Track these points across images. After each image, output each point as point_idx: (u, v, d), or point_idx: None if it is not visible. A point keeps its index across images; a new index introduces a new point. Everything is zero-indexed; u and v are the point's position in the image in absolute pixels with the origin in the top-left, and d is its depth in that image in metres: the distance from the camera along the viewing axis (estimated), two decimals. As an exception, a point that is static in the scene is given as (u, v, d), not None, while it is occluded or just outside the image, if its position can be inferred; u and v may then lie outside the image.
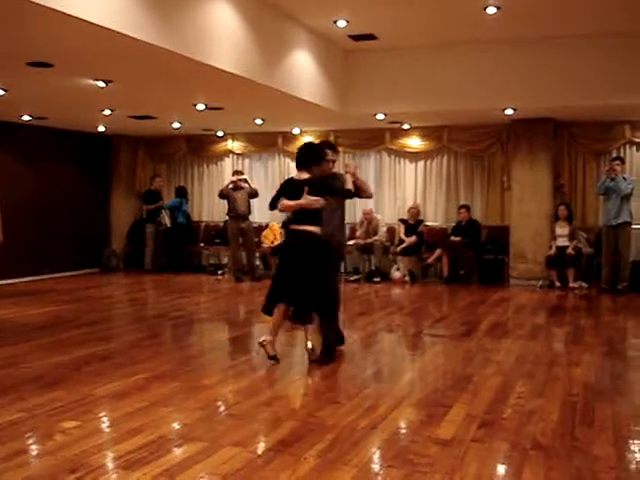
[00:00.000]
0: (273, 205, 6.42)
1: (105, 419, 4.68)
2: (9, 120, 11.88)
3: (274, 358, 6.14)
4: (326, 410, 4.80)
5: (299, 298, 6.11)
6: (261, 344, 6.15)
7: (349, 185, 6.30)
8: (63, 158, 13.44)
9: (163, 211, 13.74)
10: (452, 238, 12.22)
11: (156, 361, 5.76)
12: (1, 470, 3.67)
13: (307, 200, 6.01)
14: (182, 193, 14.20)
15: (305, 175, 6.16)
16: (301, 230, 6.12)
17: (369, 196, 6.94)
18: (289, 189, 6.25)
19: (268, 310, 6.23)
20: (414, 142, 13.15)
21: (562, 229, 11.57)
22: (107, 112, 11.14)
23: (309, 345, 6.21)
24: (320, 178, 6.17)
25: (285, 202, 6.20)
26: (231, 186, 12.71)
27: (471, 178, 12.99)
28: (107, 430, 4.50)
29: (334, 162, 6.55)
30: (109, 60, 7.42)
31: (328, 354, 6.28)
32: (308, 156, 6.26)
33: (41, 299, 10.16)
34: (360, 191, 6.55)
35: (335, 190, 6.27)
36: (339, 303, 6.81)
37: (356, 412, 4.73)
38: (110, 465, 3.77)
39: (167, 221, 13.68)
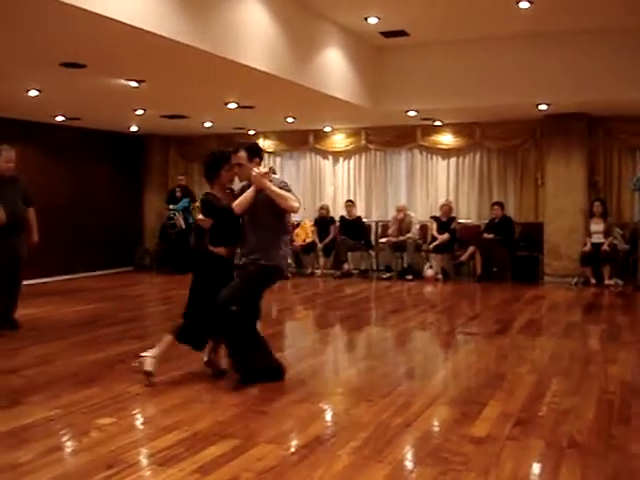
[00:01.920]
0: None
1: (140, 416, 4.72)
2: (43, 121, 12.01)
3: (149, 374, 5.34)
4: (360, 408, 4.79)
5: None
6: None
7: (238, 200, 5.30)
8: (96, 158, 13.57)
9: (176, 212, 13.68)
10: (485, 235, 12.12)
11: (189, 358, 5.76)
12: (38, 466, 3.71)
13: (199, 220, 5.63)
14: (186, 194, 14.03)
15: (208, 191, 5.57)
16: (204, 251, 5.54)
17: (287, 210, 5.33)
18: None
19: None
20: (446, 139, 13.08)
21: (597, 225, 11.43)
22: (139, 112, 11.23)
23: (205, 358, 5.68)
24: (206, 195, 5.48)
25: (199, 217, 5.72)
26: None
27: (504, 175, 12.89)
28: (142, 427, 4.54)
29: (239, 166, 5.35)
30: (141, 60, 7.48)
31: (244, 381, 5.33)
32: (205, 169, 5.59)
33: (75, 297, 10.27)
34: (279, 205, 5.27)
35: (211, 209, 5.41)
36: (245, 331, 5.42)
37: (390, 410, 4.71)
38: (145, 461, 3.79)
39: (181, 222, 13.58)
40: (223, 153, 5.51)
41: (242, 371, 5.32)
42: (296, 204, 5.34)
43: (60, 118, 11.88)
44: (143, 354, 5.34)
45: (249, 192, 5.29)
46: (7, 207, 7.26)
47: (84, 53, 7.11)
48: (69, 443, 4.17)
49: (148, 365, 5.26)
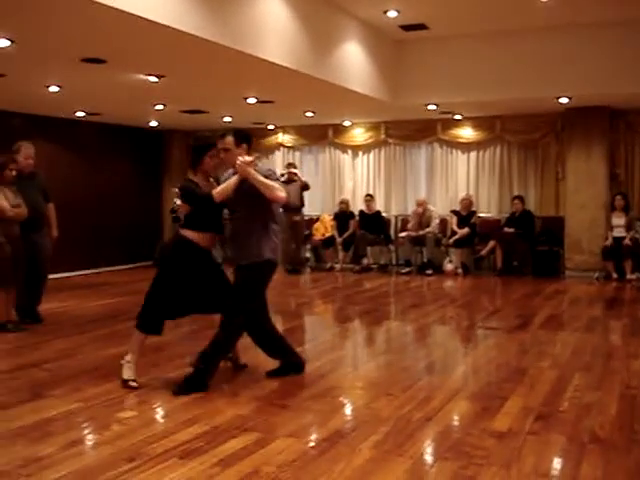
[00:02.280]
0: None
1: (161, 409, 4.73)
2: (64, 116, 12.08)
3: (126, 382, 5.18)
4: (380, 402, 4.79)
5: None
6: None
7: (219, 187, 5.11)
8: (116, 153, 13.64)
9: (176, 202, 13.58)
10: (505, 229, 12.05)
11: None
12: (60, 459, 3.74)
13: (177, 206, 5.41)
14: None
15: (190, 177, 5.34)
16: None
17: (273, 200, 5.07)
18: None
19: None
20: (466, 132, 13.03)
21: (619, 219, 11.32)
22: (159, 107, 11.27)
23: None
24: (186, 181, 5.29)
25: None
26: (283, 179, 12.72)
27: (524, 168, 12.81)
28: (163, 420, 4.56)
29: (226, 151, 5.10)
30: (161, 55, 7.49)
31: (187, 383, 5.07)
32: (190, 155, 5.49)
33: (97, 292, 10.33)
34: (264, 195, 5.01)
35: (190, 196, 5.19)
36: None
37: (410, 404, 4.70)
38: (166, 454, 3.80)
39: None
40: (208, 138, 5.29)
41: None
42: (282, 194, 5.07)
43: (80, 113, 11.95)
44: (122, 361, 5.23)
45: (232, 180, 5.06)
46: (27, 203, 7.32)
47: (104, 49, 7.14)
48: (90, 436, 4.20)
49: (126, 373, 5.17)
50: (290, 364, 5.51)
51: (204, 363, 5.07)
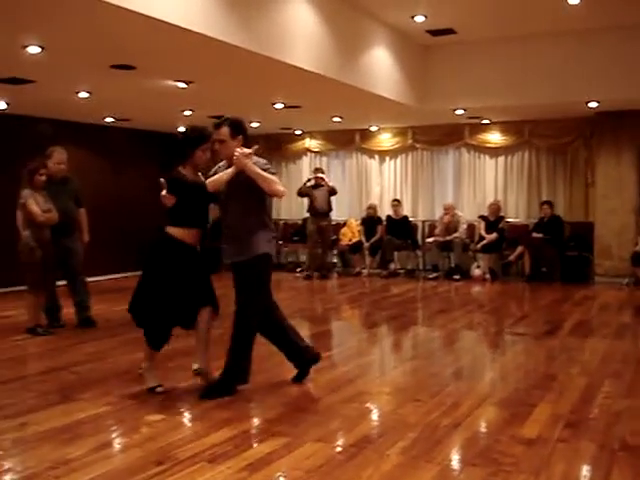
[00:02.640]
0: None
1: (189, 413, 4.75)
2: (93, 122, 12.20)
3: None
4: (407, 407, 4.77)
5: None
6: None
7: (214, 177, 5.00)
8: (145, 158, 13.71)
9: None
10: (534, 235, 11.96)
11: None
12: (89, 461, 3.77)
13: (162, 196, 5.03)
14: None
15: (179, 170, 5.10)
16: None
17: (270, 194, 5.01)
18: None
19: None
20: (494, 137, 12.97)
21: (649, 225, 11.20)
22: (187, 113, 11.33)
23: (196, 368, 5.36)
24: (174, 172, 5.07)
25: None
26: (310, 184, 12.73)
27: (553, 173, 12.71)
28: (191, 424, 4.57)
29: (221, 142, 4.97)
30: (189, 61, 7.55)
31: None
32: (178, 148, 5.16)
33: (126, 296, 10.29)
34: (262, 189, 4.92)
35: (180, 187, 5.00)
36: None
37: (438, 410, 4.68)
38: (195, 458, 3.81)
39: None
40: (202, 130, 5.06)
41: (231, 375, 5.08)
42: (281, 187, 5.01)
43: (109, 119, 12.06)
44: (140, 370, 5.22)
45: (228, 171, 4.90)
46: (58, 208, 7.41)
47: (134, 55, 7.21)
48: (119, 439, 4.23)
49: (149, 382, 5.12)
50: (305, 361, 5.43)
51: (229, 368, 5.06)
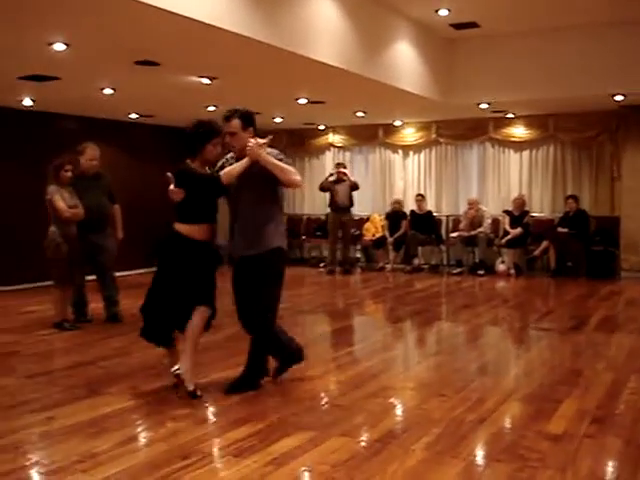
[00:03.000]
0: None
1: (214, 407, 4.76)
2: (117, 118, 12.27)
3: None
4: (433, 402, 4.76)
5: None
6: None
7: (227, 169, 4.82)
8: (169, 154, 13.73)
9: None
10: (559, 229, 11.86)
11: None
12: (115, 455, 3.80)
13: (170, 191, 4.90)
14: None
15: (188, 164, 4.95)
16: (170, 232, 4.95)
17: (286, 185, 4.91)
18: None
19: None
20: (519, 131, 12.88)
21: (676, 219, 11.07)
22: (211, 108, 11.36)
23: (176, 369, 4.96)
24: (179, 166, 4.96)
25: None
26: (332, 178, 12.72)
27: (579, 167, 12.60)
28: (216, 418, 4.59)
29: (232, 135, 4.84)
30: (213, 57, 7.57)
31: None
32: (187, 141, 4.97)
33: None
34: (279, 180, 4.82)
35: (192, 179, 4.86)
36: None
37: (463, 405, 4.66)
38: (220, 452, 3.84)
39: None
40: (211, 124, 4.91)
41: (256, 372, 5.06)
42: (298, 177, 4.88)
43: (134, 115, 12.13)
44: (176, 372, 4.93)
45: (241, 163, 4.75)
46: (89, 204, 7.45)
47: (158, 51, 7.24)
48: (145, 433, 4.25)
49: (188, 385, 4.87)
50: (288, 355, 5.25)
51: (252, 363, 5.05)
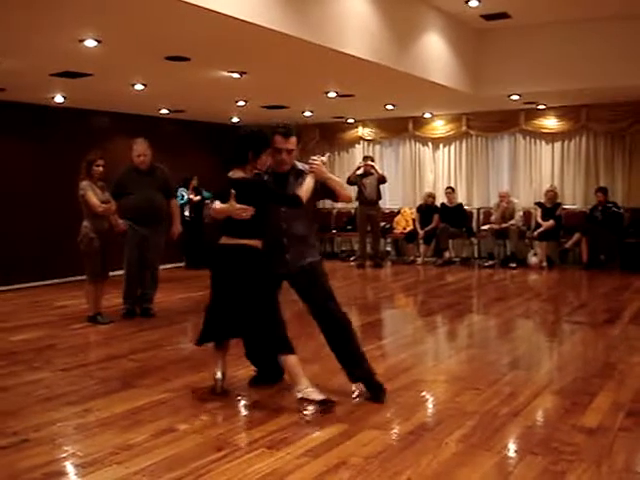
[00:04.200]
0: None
1: (247, 400, 4.79)
2: (149, 114, 12.35)
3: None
4: (465, 396, 4.74)
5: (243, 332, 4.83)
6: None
7: (301, 189, 4.64)
8: (199, 149, 13.85)
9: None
10: (597, 216, 11.62)
11: (295, 345, 5.82)
12: (150, 447, 3.84)
13: (232, 207, 4.56)
14: (185, 183, 13.01)
15: (238, 173, 4.69)
16: (232, 244, 4.68)
17: (345, 199, 5.00)
18: (223, 190, 4.73)
19: (201, 342, 4.93)
20: (550, 122, 12.75)
21: None
22: (241, 103, 11.40)
23: (218, 375, 4.85)
24: (255, 178, 4.72)
25: (217, 206, 4.71)
26: (360, 172, 12.67)
27: (611, 158, 12.43)
28: (250, 410, 4.62)
29: (290, 152, 4.73)
30: (243, 51, 7.57)
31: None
32: (239, 147, 4.71)
33: (182, 285, 10.54)
34: (335, 195, 4.89)
35: (273, 196, 4.69)
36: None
37: (496, 398, 4.64)
38: (254, 444, 3.86)
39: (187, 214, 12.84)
40: (266, 134, 4.74)
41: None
42: (351, 193, 4.96)
43: (164, 111, 12.20)
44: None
45: (311, 181, 4.68)
46: (136, 198, 7.60)
47: (188, 46, 7.26)
48: (179, 425, 4.26)
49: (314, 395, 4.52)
50: (268, 373, 5.14)
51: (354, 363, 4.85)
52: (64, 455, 3.80)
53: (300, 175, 4.78)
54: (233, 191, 4.54)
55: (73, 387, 5.11)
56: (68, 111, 11.15)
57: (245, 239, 4.64)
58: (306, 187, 4.66)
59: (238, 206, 4.53)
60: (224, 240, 4.71)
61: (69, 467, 3.68)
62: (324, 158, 4.85)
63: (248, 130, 4.79)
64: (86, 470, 3.58)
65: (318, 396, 4.47)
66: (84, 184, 7.29)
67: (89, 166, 7.34)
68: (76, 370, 5.62)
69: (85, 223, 7.36)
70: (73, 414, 4.47)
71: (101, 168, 7.39)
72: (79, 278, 8.42)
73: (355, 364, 4.80)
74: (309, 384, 4.53)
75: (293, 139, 4.72)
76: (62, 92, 9.97)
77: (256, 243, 4.65)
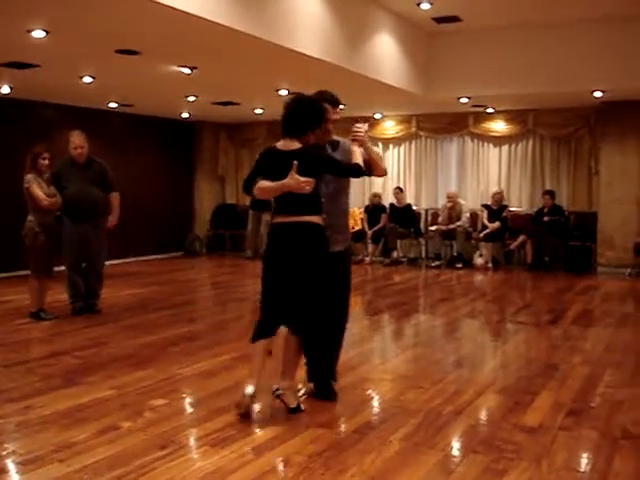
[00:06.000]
0: (248, 187, 4.44)
1: (192, 398, 4.77)
2: (96, 107, 12.16)
3: (297, 409, 4.32)
4: (410, 394, 4.78)
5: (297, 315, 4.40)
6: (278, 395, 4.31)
7: (358, 159, 4.30)
8: (148, 144, 13.71)
9: None
10: (545, 219, 11.84)
11: (242, 342, 5.77)
12: (93, 445, 3.79)
13: (295, 180, 4.12)
14: None
15: (295, 144, 4.28)
16: (292, 222, 4.26)
17: (382, 174, 4.70)
18: (270, 165, 4.34)
19: (255, 339, 4.40)
20: (498, 126, 12.93)
21: (652, 215, 11.17)
22: (191, 98, 11.32)
23: (249, 390, 4.28)
24: (315, 149, 4.32)
25: (263, 184, 4.30)
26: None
27: (557, 163, 12.67)
28: (195, 408, 4.59)
29: (335, 122, 4.43)
30: (194, 47, 7.52)
31: (327, 392, 4.65)
32: (301, 116, 4.31)
33: (128, 281, 10.42)
34: (372, 167, 4.51)
35: (337, 167, 4.35)
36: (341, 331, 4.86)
37: (441, 397, 4.69)
38: (198, 442, 3.84)
39: None
40: (323, 106, 4.36)
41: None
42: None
43: (113, 104, 12.03)
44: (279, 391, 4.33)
45: (359, 152, 4.35)
46: (72, 192, 7.38)
47: (138, 40, 7.19)
48: (123, 423, 4.21)
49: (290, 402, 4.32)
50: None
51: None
52: (4, 453, 3.72)
53: (337, 146, 4.47)
54: (295, 162, 4.11)
55: (14, 384, 5.01)
56: (14, 102, 10.92)
57: (307, 215, 4.24)
58: (360, 157, 4.33)
59: (303, 179, 4.11)
60: (280, 219, 4.30)
61: (9, 465, 3.60)
62: (366, 126, 4.53)
63: (307, 100, 4.36)
64: (27, 468, 3.52)
65: (293, 402, 4.30)
66: (29, 177, 7.15)
67: (35, 159, 7.20)
68: (18, 367, 5.51)
69: (30, 217, 7.22)
70: (14, 411, 4.38)
71: (47, 161, 7.26)
72: (23, 273, 8.25)
73: (326, 367, 4.67)
74: (296, 386, 4.47)
75: (339, 108, 4.45)
76: (9, 83, 9.77)
77: (319, 219, 4.29)
